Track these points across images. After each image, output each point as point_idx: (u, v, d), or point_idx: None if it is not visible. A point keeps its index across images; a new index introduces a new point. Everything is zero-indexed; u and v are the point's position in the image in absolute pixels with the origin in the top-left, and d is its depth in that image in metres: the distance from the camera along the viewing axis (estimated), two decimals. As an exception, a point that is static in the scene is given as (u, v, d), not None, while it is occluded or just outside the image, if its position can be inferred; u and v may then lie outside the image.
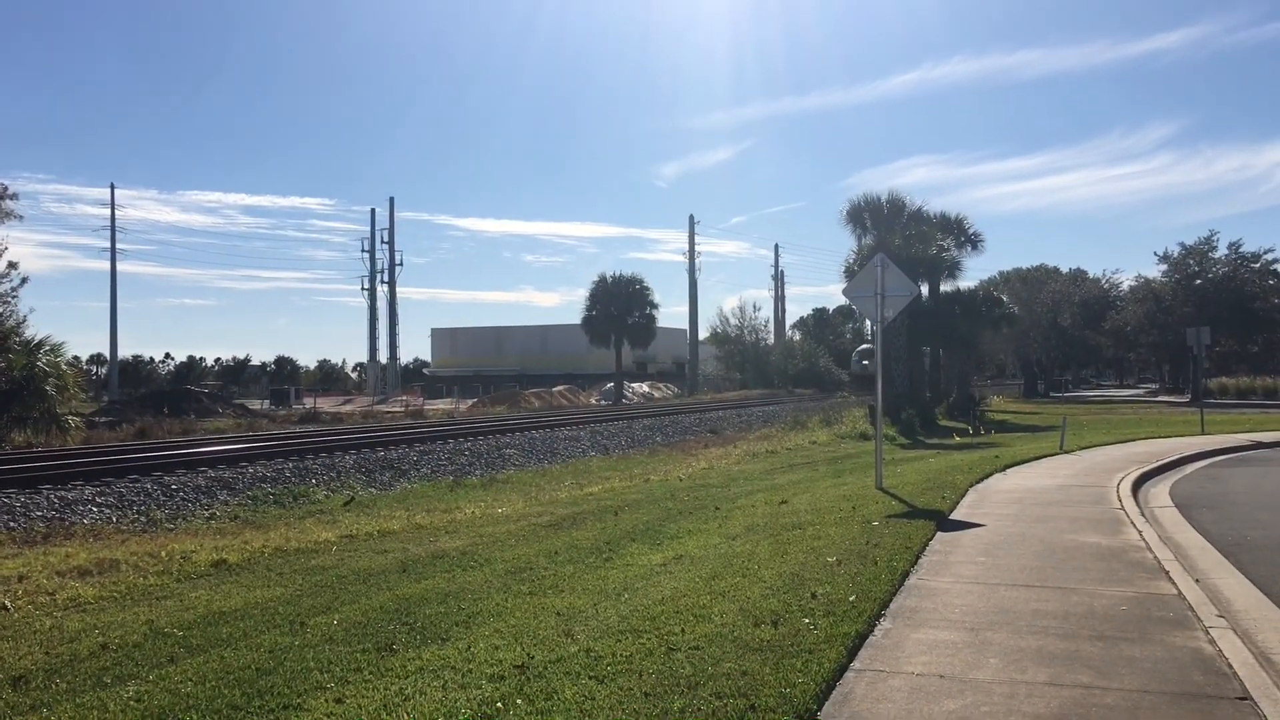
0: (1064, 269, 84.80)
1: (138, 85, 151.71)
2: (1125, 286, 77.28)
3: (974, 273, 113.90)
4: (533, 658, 5.67)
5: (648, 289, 72.28)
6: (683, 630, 6.16)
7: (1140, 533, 9.87)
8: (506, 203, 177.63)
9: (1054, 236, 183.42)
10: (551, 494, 16.08)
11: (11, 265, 27.19)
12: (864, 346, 79.35)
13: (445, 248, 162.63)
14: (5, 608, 7.50)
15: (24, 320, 27.38)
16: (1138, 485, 14.43)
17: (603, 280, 71.89)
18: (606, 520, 11.96)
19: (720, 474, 18.52)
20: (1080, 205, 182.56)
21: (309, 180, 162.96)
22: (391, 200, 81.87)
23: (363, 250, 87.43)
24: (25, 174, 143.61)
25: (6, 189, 26.92)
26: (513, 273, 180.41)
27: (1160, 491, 14.16)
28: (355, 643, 6.21)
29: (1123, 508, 11.71)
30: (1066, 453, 20.16)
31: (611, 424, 29.89)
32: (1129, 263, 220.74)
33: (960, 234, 44.89)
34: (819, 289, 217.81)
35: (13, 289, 27.18)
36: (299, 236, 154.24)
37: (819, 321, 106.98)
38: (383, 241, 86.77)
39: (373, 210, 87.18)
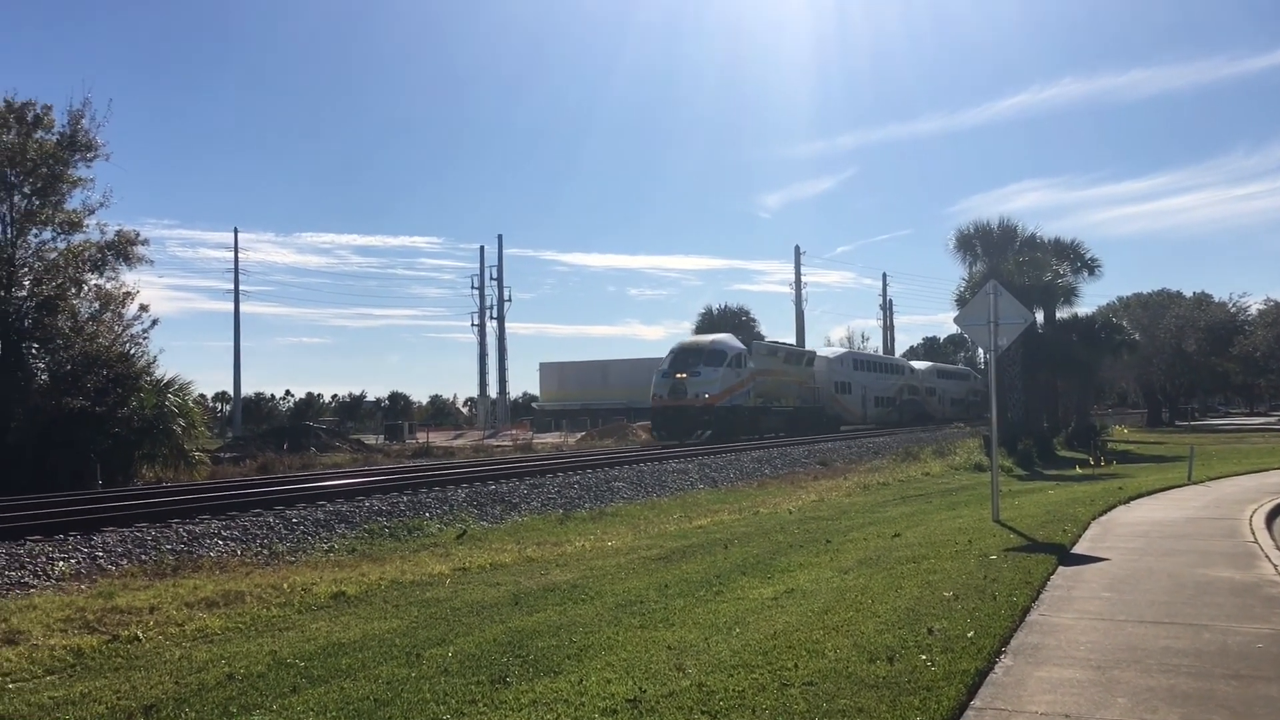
0: (1187, 293, 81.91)
1: (257, 133, 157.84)
2: (1254, 310, 74.29)
3: (1091, 299, 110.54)
4: (645, 692, 5.65)
5: (753, 320, 72.17)
6: (796, 665, 6.07)
7: (1276, 567, 9.42)
8: (610, 238, 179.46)
9: (1175, 260, 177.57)
10: (660, 527, 16.06)
11: (143, 308, 28.42)
12: (922, 364, 77.99)
13: (551, 283, 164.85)
14: (137, 638, 7.78)
15: (154, 360, 28.58)
16: (1272, 517, 13.78)
17: (708, 312, 71.96)
18: (716, 553, 11.90)
19: (831, 506, 18.29)
20: (1202, 227, 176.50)
21: (417, 220, 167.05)
22: (500, 238, 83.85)
23: (472, 287, 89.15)
24: (152, 220, 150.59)
25: (138, 235, 28.19)
26: (618, 307, 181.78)
27: (1297, 524, 13.50)
28: (469, 675, 6.28)
29: (1256, 541, 11.20)
30: (1194, 484, 19.40)
31: (719, 456, 29.78)
32: (1257, 285, 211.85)
33: (1075, 259, 43.81)
34: (928, 317, 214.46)
35: (144, 330, 28.40)
36: (409, 275, 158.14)
37: (930, 350, 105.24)
38: (491, 278, 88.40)
39: (481, 248, 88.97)
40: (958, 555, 10.40)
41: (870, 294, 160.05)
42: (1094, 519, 13.54)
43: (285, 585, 10.20)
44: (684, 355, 43.69)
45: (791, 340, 71.42)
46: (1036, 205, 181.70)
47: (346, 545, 14.39)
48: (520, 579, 10.40)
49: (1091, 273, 43.95)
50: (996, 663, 6.14)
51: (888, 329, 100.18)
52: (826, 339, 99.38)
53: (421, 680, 6.18)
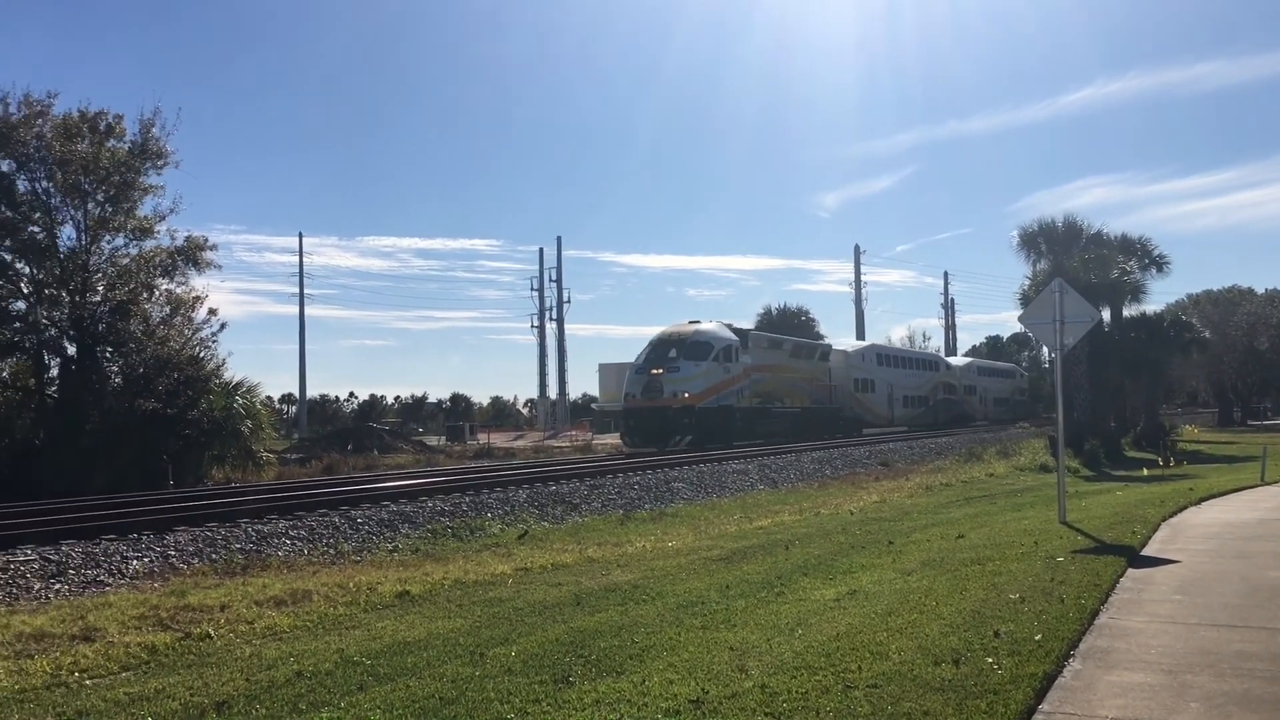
0: (1259, 289, 79.92)
1: (320, 138, 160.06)
2: (1329, 306, 72.32)
3: (1159, 296, 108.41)
4: (707, 692, 5.66)
5: (813, 320, 71.80)
6: (859, 667, 6.04)
7: (1356, 570, 9.18)
8: (668, 238, 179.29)
9: (1247, 256, 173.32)
10: (720, 527, 16.04)
11: (211, 312, 29.00)
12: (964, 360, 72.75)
13: (609, 284, 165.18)
14: (209, 636, 7.94)
15: (223, 363, 29.15)
16: (1351, 519, 13.42)
17: (767, 313, 71.73)
18: (777, 554, 11.86)
19: (893, 507, 18.13)
20: (1273, 222, 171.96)
21: (477, 223, 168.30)
22: (559, 239, 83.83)
23: (531, 289, 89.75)
24: (219, 226, 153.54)
25: (206, 240, 28.78)
26: (676, 307, 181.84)
27: (1377, 526, 13.13)
28: (533, 674, 6.32)
29: (1334, 543, 10.91)
30: (1268, 484, 18.94)
31: (779, 457, 29.65)
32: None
33: (1143, 256, 42.97)
34: (991, 316, 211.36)
35: (213, 334, 28.97)
36: (469, 277, 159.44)
37: (993, 349, 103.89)
38: (551, 280, 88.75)
39: (540, 250, 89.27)
40: (1023, 557, 10.26)
41: (931, 293, 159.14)
42: (1164, 520, 13.28)
43: (351, 584, 10.35)
44: (662, 347, 37.10)
45: (851, 335, 70.27)
46: (1101, 202, 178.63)
47: (410, 545, 14.56)
48: (582, 579, 10.45)
49: (1159, 269, 43.05)
50: (1065, 666, 6.05)
51: (949, 328, 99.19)
52: (888, 338, 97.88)
53: (486, 679, 6.23)
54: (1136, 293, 42.07)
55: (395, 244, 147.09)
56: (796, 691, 5.59)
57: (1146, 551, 10.69)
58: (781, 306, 72.87)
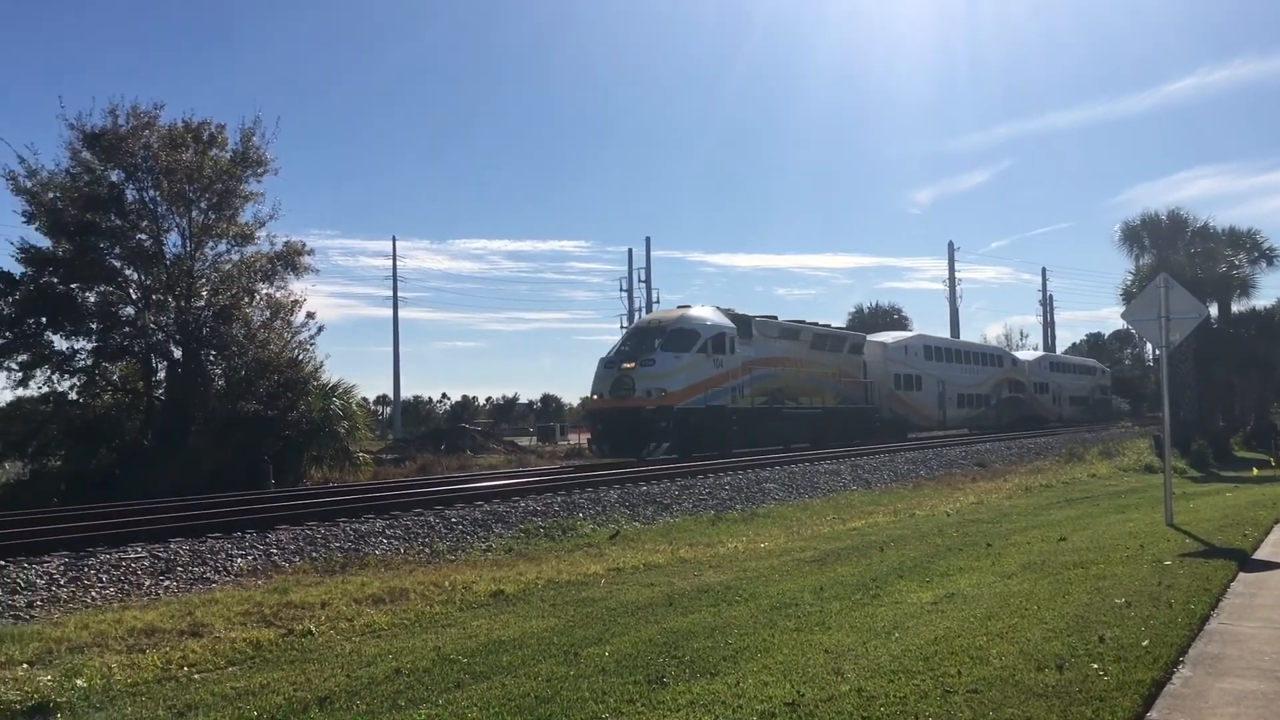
0: (1378, 282, 76.52)
1: (412, 143, 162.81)
2: None
3: (1271, 290, 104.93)
4: (803, 695, 5.60)
5: (905, 318, 70.88)
6: (959, 672, 5.93)
7: None
8: (757, 237, 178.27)
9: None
10: (813, 529, 15.90)
11: (309, 315, 29.64)
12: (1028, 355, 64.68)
13: (698, 284, 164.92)
14: (310, 632, 8.12)
15: (320, 365, 29.76)
16: None
17: (859, 311, 71.05)
18: (871, 556, 11.71)
19: (990, 509, 17.78)
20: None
21: (566, 224, 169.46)
22: (647, 240, 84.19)
23: (620, 290, 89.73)
24: (315, 230, 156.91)
25: (304, 245, 29.43)
26: (765, 306, 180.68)
27: None
28: (627, 674, 6.33)
29: None
30: (1390, 486, 18.12)
31: (873, 457, 29.30)
32: None
33: (1252, 249, 41.47)
34: (1091, 313, 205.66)
35: (310, 337, 29.61)
36: (558, 279, 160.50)
37: (1093, 347, 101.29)
38: (640, 281, 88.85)
39: (629, 250, 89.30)
40: (1129, 560, 9.98)
41: (1028, 290, 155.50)
42: (1276, 523, 12.80)
43: (446, 583, 10.49)
44: (637, 337, 31.44)
45: (946, 333, 68.44)
46: (1206, 194, 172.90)
47: (504, 544, 14.71)
48: (674, 580, 10.44)
49: (1270, 263, 41.41)
50: (1174, 673, 5.86)
51: (1048, 325, 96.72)
52: (983, 337, 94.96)
53: (580, 679, 6.26)
54: (1245, 287, 40.67)
55: (486, 246, 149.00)
56: (894, 696, 5.51)
57: (1258, 555, 10.32)
58: (874, 305, 72.10)
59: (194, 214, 27.35)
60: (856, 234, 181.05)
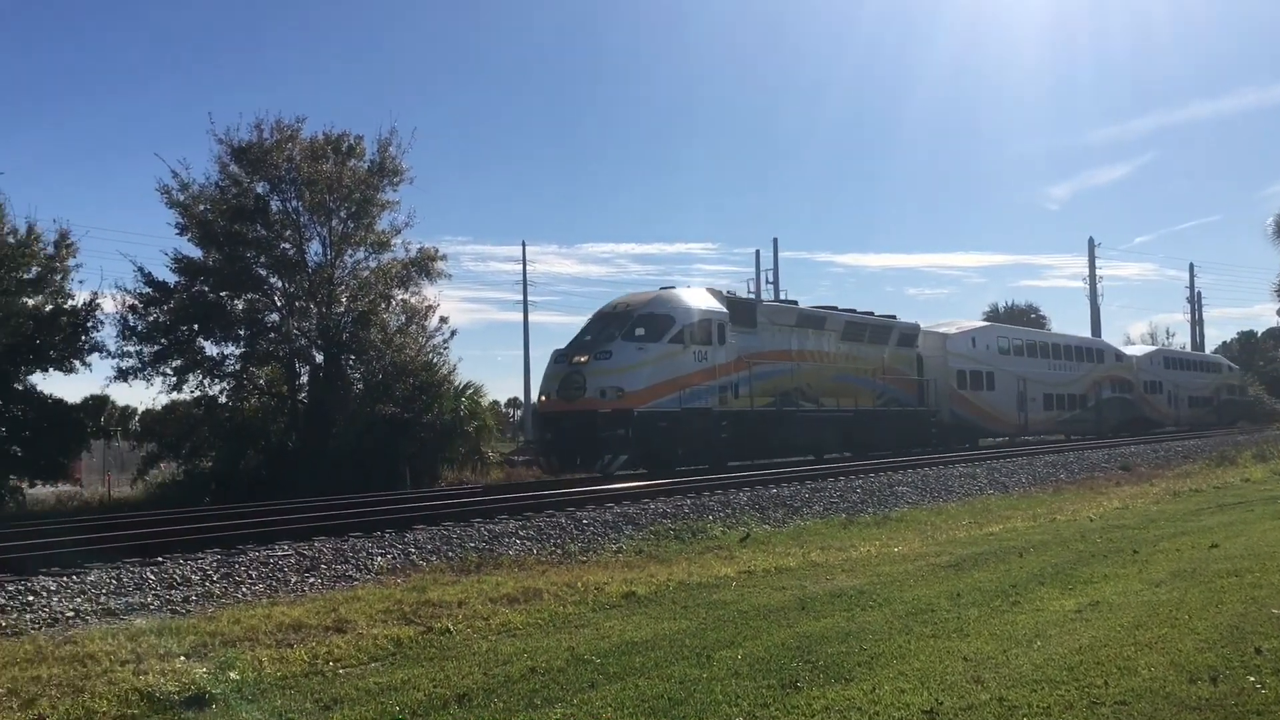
0: None
1: (543, 149, 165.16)
2: None
3: None
4: (941, 704, 5.49)
5: (1043, 317, 68.90)
6: (1105, 683, 5.73)
7: None
8: (886, 237, 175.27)
9: None
10: (948, 533, 15.56)
11: (442, 320, 30.31)
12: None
13: (826, 285, 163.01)
14: (448, 630, 8.31)
15: (454, 369, 30.42)
16: None
17: (994, 310, 69.30)
18: (1010, 561, 11.41)
19: (1136, 514, 17.12)
20: None
21: (693, 227, 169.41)
22: (775, 241, 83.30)
23: (748, 292, 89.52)
24: (448, 237, 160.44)
25: (437, 251, 30.13)
26: (896, 307, 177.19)
27: None
28: (760, 678, 6.31)
29: None
30: None
31: (1010, 460, 28.53)
32: None
33: None
34: (1244, 310, 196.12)
35: (444, 341, 30.26)
36: (685, 281, 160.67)
37: (1245, 346, 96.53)
38: (767, 282, 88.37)
39: (756, 251, 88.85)
40: (1288, 569, 9.50)
41: (1174, 286, 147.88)
42: None
43: (579, 584, 10.61)
44: (599, 324, 26.05)
45: (1086, 331, 65.62)
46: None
47: (634, 546, 14.80)
48: (806, 584, 10.36)
49: None
50: (1341, 689, 5.55)
51: (1196, 324, 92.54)
52: (1126, 336, 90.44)
53: (713, 681, 6.26)
54: None
55: (613, 250, 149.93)
56: (1037, 706, 5.36)
57: None
58: (1010, 304, 70.14)
59: (334, 223, 28.27)
60: (990, 231, 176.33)
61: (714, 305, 26.33)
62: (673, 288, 27.10)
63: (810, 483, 21.58)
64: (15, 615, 9.43)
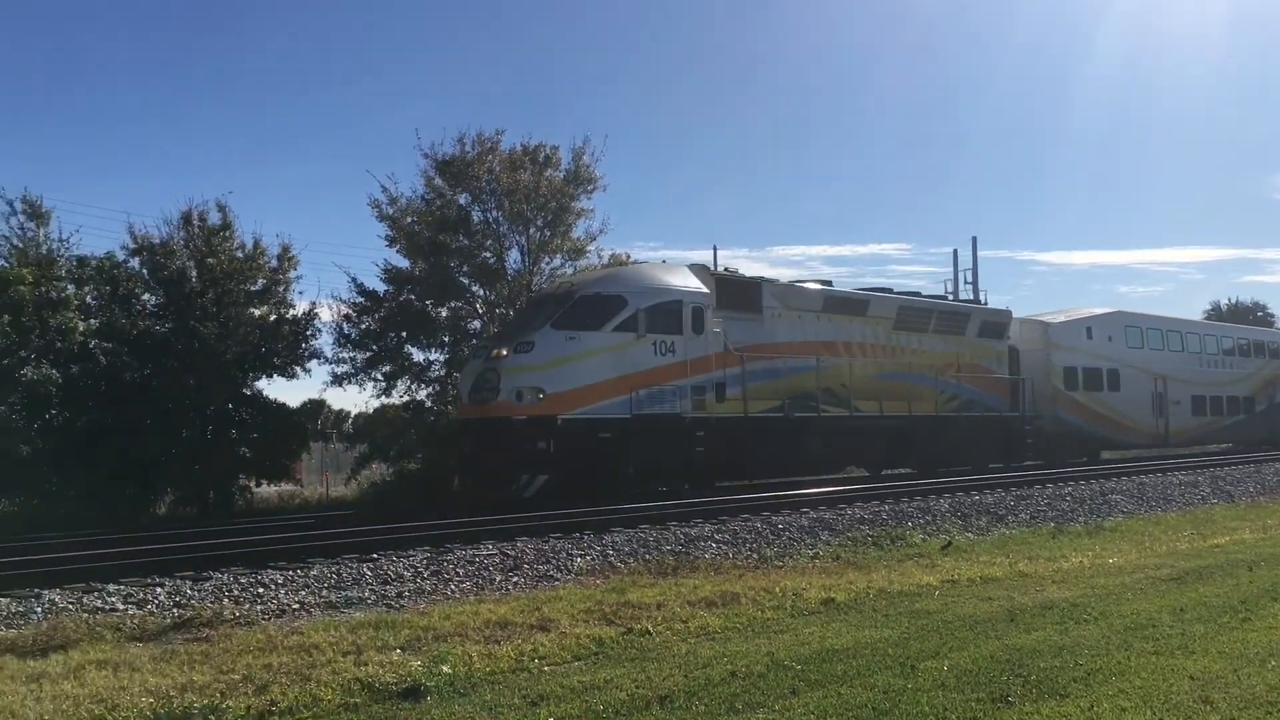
0: None
1: (731, 152, 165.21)
2: None
3: None
4: (1167, 725, 5.20)
5: (1270, 315, 64.27)
6: (1354, 709, 5.30)
7: None
8: (1094, 232, 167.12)
9: None
10: (1168, 544, 14.71)
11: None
12: None
13: (1030, 284, 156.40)
14: (648, 632, 8.41)
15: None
16: None
17: (1215, 308, 65.23)
18: (1239, 575, 10.70)
19: (1383, 527, 15.78)
20: None
21: (886, 227, 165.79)
22: (974, 239, 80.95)
23: (946, 293, 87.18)
24: (639, 243, 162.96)
25: (628, 257, 30.54)
26: (1105, 305, 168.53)
27: None
28: (968, 690, 6.12)
29: None
30: None
31: (1236, 468, 26.77)
32: None
33: None
34: None
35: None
36: (878, 282, 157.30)
37: None
38: (965, 282, 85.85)
39: (954, 251, 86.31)
40: None
41: None
42: None
43: (776, 589, 10.55)
44: (533, 309, 22.21)
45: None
46: None
47: (831, 552, 14.61)
48: (1013, 594, 9.99)
49: None
50: None
51: None
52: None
53: (918, 692, 6.12)
54: None
55: (804, 252, 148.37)
56: (1275, 731, 5.01)
57: None
58: (1233, 301, 65.66)
59: (531, 231, 29.07)
60: (1210, 225, 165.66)
61: (688, 284, 21.07)
62: (638, 264, 23.10)
63: (1015, 489, 20.83)
64: (247, 606, 10.09)
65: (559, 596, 10.47)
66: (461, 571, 12.13)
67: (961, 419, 26.57)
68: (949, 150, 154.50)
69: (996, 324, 29.11)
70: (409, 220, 28.13)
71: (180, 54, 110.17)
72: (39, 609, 9.63)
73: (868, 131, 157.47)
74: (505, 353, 19.09)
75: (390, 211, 27.91)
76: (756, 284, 23.00)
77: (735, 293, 22.18)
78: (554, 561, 12.97)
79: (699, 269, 21.96)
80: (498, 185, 28.17)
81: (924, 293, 29.32)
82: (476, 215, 28.81)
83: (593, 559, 13.29)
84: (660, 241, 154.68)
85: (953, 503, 18.90)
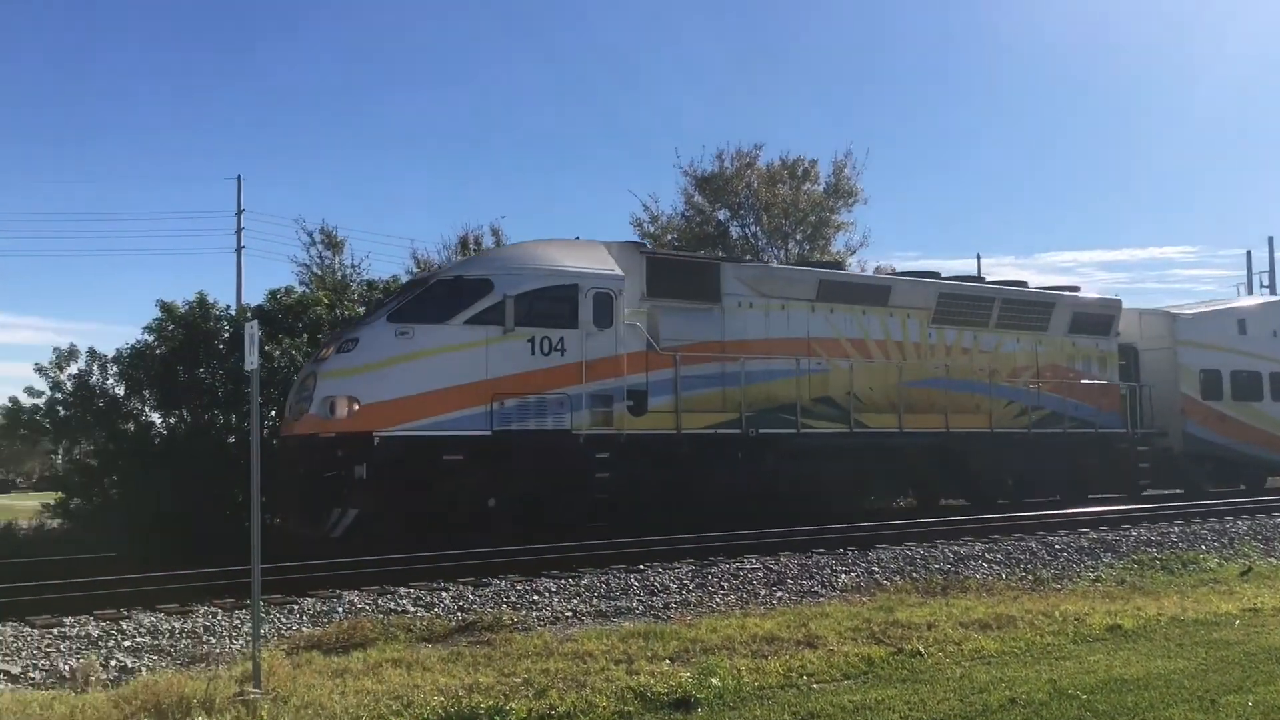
0: None
1: (996, 159, 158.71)
2: None
3: None
4: None
5: None
6: None
7: None
8: None
9: None
10: None
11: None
12: None
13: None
14: (919, 653, 8.21)
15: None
16: None
17: None
18: None
19: None
20: None
21: (1169, 229, 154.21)
22: (1270, 240, 74.10)
23: (1237, 296, 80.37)
24: (898, 254, 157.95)
25: (890, 270, 30.04)
26: None
27: None
28: (1279, 731, 5.64)
29: None
30: None
31: None
32: None
33: None
34: None
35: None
36: (1158, 288, 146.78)
37: None
38: (1261, 285, 78.78)
39: (1247, 253, 79.44)
40: None
41: None
42: None
43: (1055, 613, 10.06)
44: (374, 305, 19.05)
45: None
46: None
47: (1114, 575, 13.78)
48: (1328, 626, 9.11)
49: None
50: None
51: None
52: None
53: (1221, 730, 5.68)
54: None
55: (1075, 258, 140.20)
56: None
57: None
58: None
59: (790, 245, 29.12)
60: None
61: (590, 264, 16.36)
62: (536, 243, 17.14)
63: (1327, 511, 19.00)
64: (524, 612, 10.56)
65: (825, 613, 10.37)
66: (726, 585, 12.23)
67: (1033, 436, 20.87)
68: (1240, 141, 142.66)
69: (1096, 317, 22.94)
70: (670, 237, 28.79)
71: (465, 90, 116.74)
72: (340, 609, 10.45)
73: (1136, 128, 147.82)
74: (329, 352, 15.32)
75: (651, 229, 28.67)
76: (713, 266, 18.43)
77: (677, 277, 17.55)
78: (818, 577, 12.87)
79: (623, 247, 17.36)
80: (756, 200, 28.42)
81: (1092, 293, 23.91)
82: (735, 230, 29.17)
83: (857, 575, 13.10)
84: (918, 251, 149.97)
85: (1253, 525, 17.47)
